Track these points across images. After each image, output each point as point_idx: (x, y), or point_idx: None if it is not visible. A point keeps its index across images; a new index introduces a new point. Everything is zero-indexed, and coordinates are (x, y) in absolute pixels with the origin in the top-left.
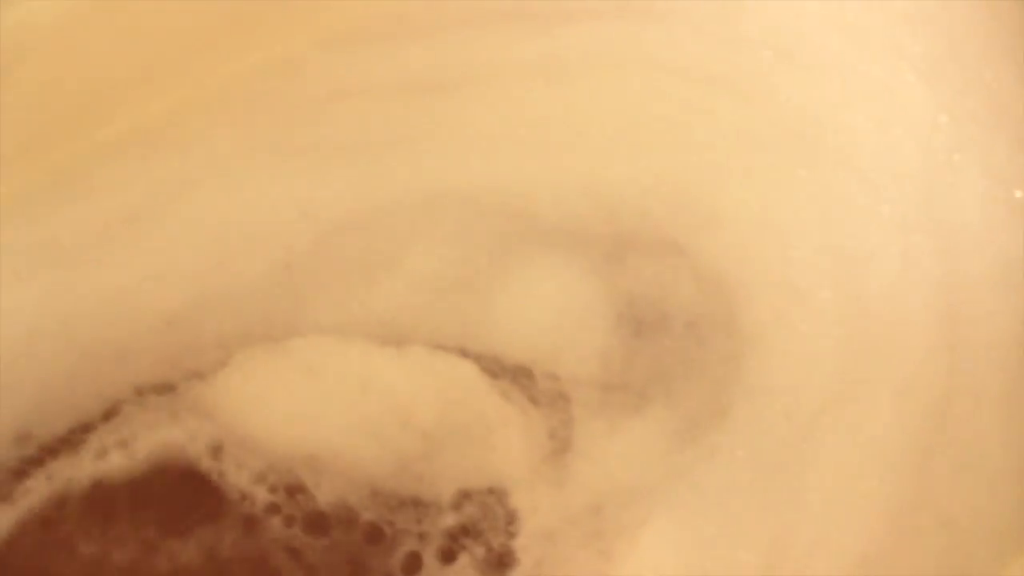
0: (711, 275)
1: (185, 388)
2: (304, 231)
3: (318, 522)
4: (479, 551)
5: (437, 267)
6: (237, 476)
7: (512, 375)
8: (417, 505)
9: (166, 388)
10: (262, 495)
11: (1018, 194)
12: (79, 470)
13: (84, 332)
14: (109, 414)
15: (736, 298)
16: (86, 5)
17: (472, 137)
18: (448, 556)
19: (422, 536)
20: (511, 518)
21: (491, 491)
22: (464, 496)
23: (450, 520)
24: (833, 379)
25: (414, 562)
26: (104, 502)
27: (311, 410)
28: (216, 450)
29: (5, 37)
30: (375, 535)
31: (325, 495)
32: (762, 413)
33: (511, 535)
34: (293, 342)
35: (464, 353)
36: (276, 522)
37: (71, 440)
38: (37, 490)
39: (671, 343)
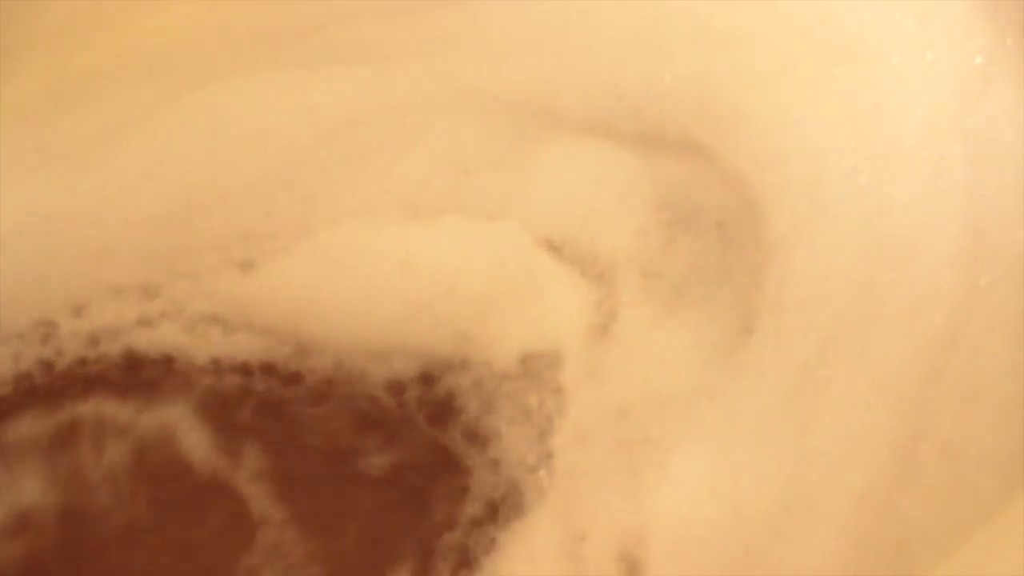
0: (737, 178)
1: (173, 288)
2: (307, 128)
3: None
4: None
5: (460, 148)
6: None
7: (553, 246)
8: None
9: (151, 289)
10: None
11: None
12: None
13: (68, 232)
14: (79, 310)
15: (760, 204)
16: None
17: (489, 42)
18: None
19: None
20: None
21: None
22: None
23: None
24: (849, 296)
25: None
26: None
27: (349, 302)
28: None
29: None
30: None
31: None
32: (783, 332)
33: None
34: (307, 239)
35: (501, 221)
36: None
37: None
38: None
39: (703, 241)
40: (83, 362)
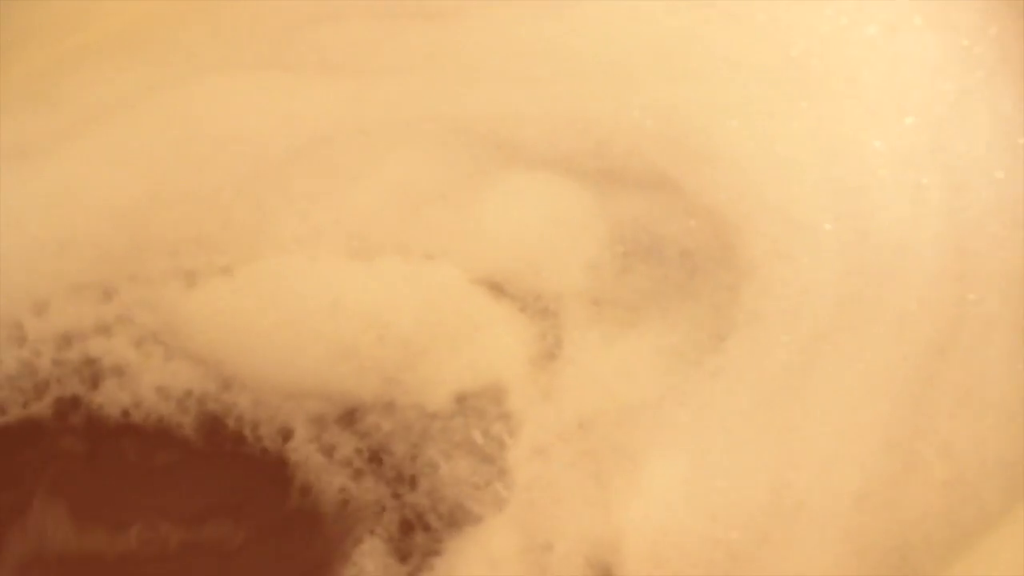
0: (706, 210)
1: (126, 293)
2: (280, 139)
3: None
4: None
5: (412, 181)
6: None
7: (495, 284)
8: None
9: (105, 290)
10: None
11: (1022, 140)
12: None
13: (29, 226)
14: (40, 308)
15: (733, 232)
16: None
17: (459, 66)
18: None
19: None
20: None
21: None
22: (460, 400)
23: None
24: (834, 306)
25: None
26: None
27: (277, 338)
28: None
29: None
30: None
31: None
32: (761, 338)
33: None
34: (252, 263)
35: (441, 261)
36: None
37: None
38: None
39: (665, 269)
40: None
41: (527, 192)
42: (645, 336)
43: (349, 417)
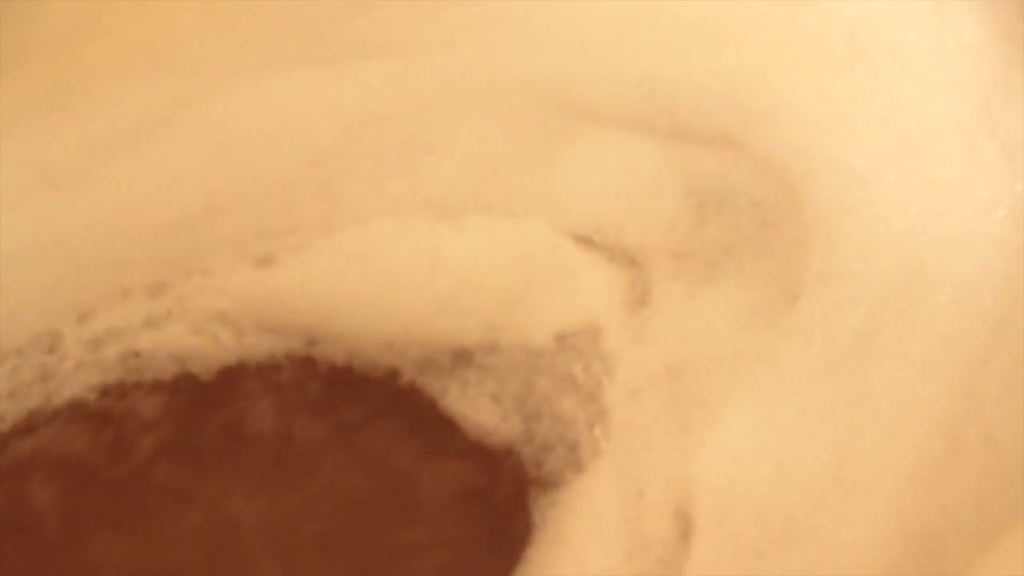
0: (771, 165)
1: (180, 286)
2: (331, 126)
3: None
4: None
5: (484, 146)
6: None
7: (581, 237)
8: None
9: (160, 287)
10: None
11: None
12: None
13: (77, 249)
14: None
15: (798, 186)
16: None
17: (518, 34)
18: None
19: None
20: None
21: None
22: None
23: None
24: (898, 267)
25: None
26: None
27: (371, 300)
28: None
29: None
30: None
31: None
32: (831, 300)
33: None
34: (330, 236)
35: (526, 218)
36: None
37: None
38: None
39: (736, 220)
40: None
41: (600, 151)
42: (723, 292)
43: (456, 359)
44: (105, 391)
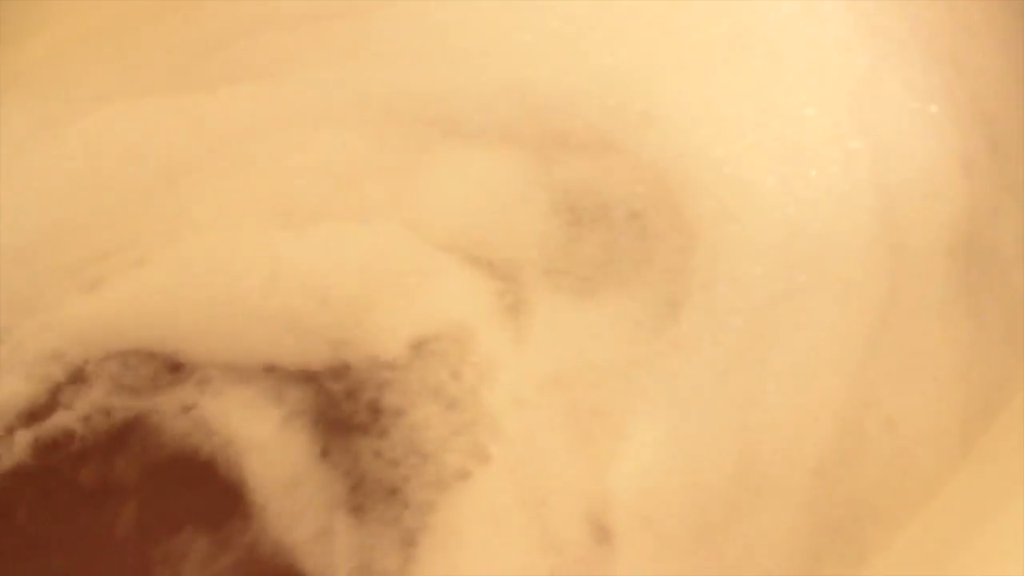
0: (649, 171)
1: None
2: (192, 144)
3: None
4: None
5: (342, 158)
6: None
7: (442, 245)
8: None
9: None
10: None
11: (933, 109)
12: None
13: None
14: None
15: (678, 193)
16: None
17: (379, 53)
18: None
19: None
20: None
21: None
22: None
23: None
24: (781, 272)
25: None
26: None
27: (211, 318)
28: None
29: None
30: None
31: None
32: (717, 305)
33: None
34: (167, 249)
35: (380, 222)
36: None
37: None
38: None
39: (615, 234)
40: None
41: (463, 165)
42: (605, 304)
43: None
44: None
